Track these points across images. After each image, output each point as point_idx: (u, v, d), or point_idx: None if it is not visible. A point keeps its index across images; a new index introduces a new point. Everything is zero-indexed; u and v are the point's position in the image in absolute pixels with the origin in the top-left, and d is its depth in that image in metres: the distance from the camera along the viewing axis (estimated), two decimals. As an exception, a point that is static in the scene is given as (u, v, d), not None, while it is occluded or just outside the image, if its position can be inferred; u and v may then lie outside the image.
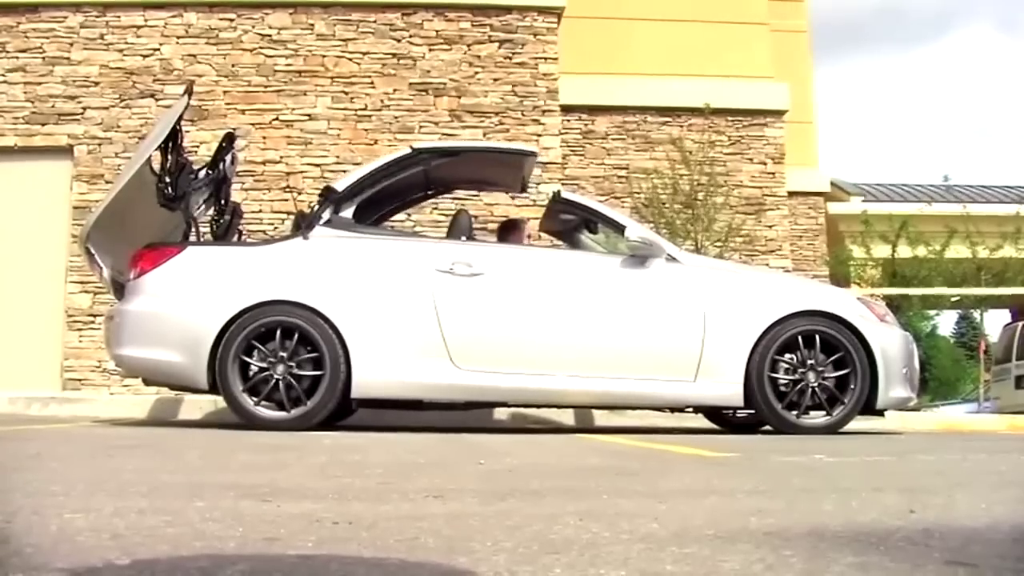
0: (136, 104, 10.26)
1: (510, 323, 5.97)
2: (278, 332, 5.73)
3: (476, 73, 10.58)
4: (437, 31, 10.61)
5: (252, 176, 10.07)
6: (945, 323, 44.73)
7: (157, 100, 10.20)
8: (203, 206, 6.75)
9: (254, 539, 1.78)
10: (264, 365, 5.71)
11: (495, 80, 10.57)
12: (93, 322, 9.62)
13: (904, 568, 1.60)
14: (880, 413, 6.22)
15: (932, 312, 28.39)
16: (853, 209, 17.99)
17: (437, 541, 1.79)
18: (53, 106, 10.21)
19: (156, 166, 6.39)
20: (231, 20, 10.47)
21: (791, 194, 14.43)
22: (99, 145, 10.19)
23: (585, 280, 6.17)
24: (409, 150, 6.48)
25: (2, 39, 10.29)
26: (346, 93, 10.43)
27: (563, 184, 10.66)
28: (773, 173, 13.51)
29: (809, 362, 5.93)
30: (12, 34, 10.28)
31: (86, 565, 1.51)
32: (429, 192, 7.62)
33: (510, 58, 10.62)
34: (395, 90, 10.46)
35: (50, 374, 9.79)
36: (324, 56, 10.49)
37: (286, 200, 9.82)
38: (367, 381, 5.77)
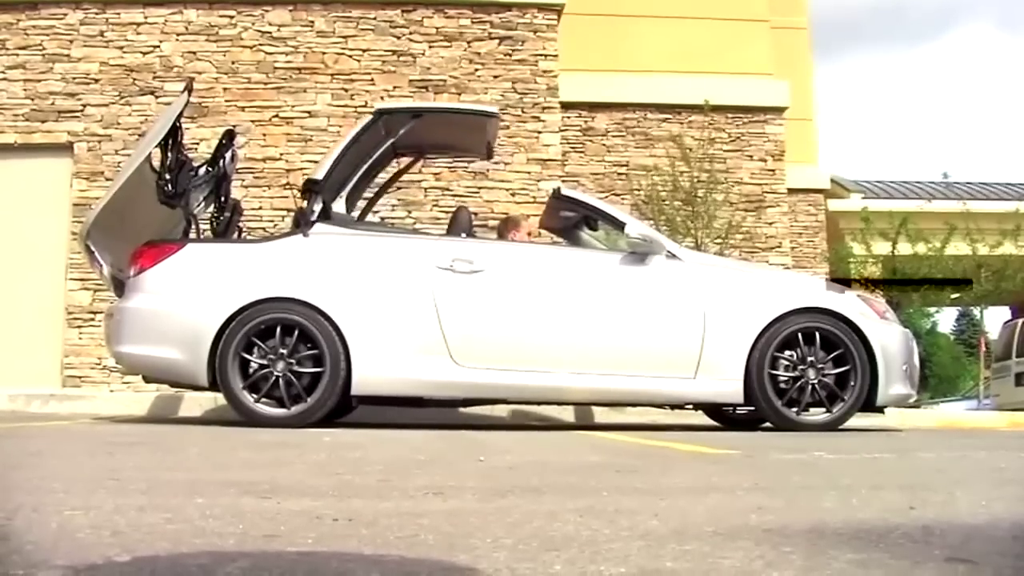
0: (136, 101, 10.25)
1: (510, 320, 5.97)
2: (278, 329, 5.73)
3: (476, 70, 10.57)
4: (437, 28, 10.60)
5: (252, 173, 10.07)
6: (945, 320, 44.76)
7: (157, 97, 10.20)
8: (203, 203, 6.74)
9: (254, 536, 1.78)
10: (264, 362, 5.71)
11: (495, 77, 10.57)
12: (93, 319, 9.62)
13: (904, 565, 1.60)
14: (880, 410, 6.23)
15: (932, 309, 28.39)
16: (853, 206, 17.98)
17: (437, 538, 1.79)
18: (53, 103, 10.21)
19: (156, 163, 6.38)
20: (231, 17, 10.46)
21: (791, 191, 14.42)
22: (99, 142, 10.18)
23: (585, 277, 6.17)
24: (372, 115, 6.44)
25: (2, 36, 10.28)
26: (346, 90, 10.42)
27: (563, 181, 10.66)
28: (773, 170, 13.51)
29: (809, 359, 5.93)
30: (12, 31, 10.27)
31: (86, 562, 1.51)
32: (399, 163, 7.53)
33: (510, 55, 10.61)
34: (395, 87, 10.45)
35: (50, 371, 9.79)
36: (324, 53, 10.48)
37: (286, 197, 9.82)
38: (367, 378, 5.77)
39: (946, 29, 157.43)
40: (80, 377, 9.78)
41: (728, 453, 4.14)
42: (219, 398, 6.63)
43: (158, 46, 10.37)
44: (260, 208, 10.06)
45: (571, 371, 5.91)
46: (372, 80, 10.44)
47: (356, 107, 10.38)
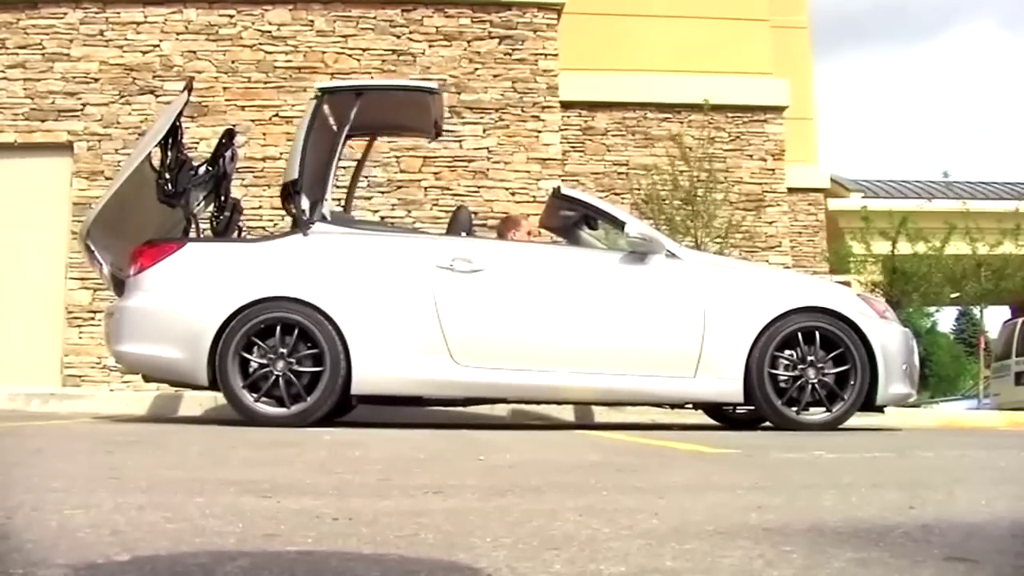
0: (136, 100, 10.25)
1: (510, 319, 5.97)
2: (278, 328, 5.73)
3: (476, 69, 10.57)
4: (437, 27, 10.60)
5: (252, 172, 10.07)
6: (945, 319, 44.74)
7: (157, 96, 10.20)
8: (203, 202, 6.74)
9: (254, 535, 1.78)
10: (264, 361, 5.71)
11: (495, 76, 10.57)
12: (93, 318, 9.62)
13: (904, 564, 1.60)
14: (880, 409, 6.23)
15: (932, 308, 28.38)
16: (853, 205, 17.96)
17: (437, 537, 1.79)
18: (53, 102, 10.21)
19: (156, 162, 6.38)
20: (231, 16, 10.46)
21: (791, 190, 14.41)
22: (99, 141, 10.18)
23: (585, 276, 6.17)
24: (315, 96, 6.37)
25: (2, 35, 10.28)
26: (346, 89, 10.41)
27: (563, 180, 10.66)
28: (773, 169, 13.50)
29: (809, 358, 5.93)
30: (12, 30, 10.27)
31: (86, 561, 1.51)
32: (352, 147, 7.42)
33: (510, 54, 10.61)
34: (395, 86, 10.44)
35: (50, 370, 9.79)
36: (324, 52, 10.48)
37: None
38: (367, 377, 5.77)
39: (947, 28, 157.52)
40: (80, 376, 9.78)
41: (728, 452, 4.14)
42: (219, 397, 6.63)
43: (158, 45, 10.37)
44: (260, 207, 10.06)
45: (571, 370, 5.91)
46: (372, 79, 10.43)
47: (356, 106, 10.37)
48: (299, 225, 6.15)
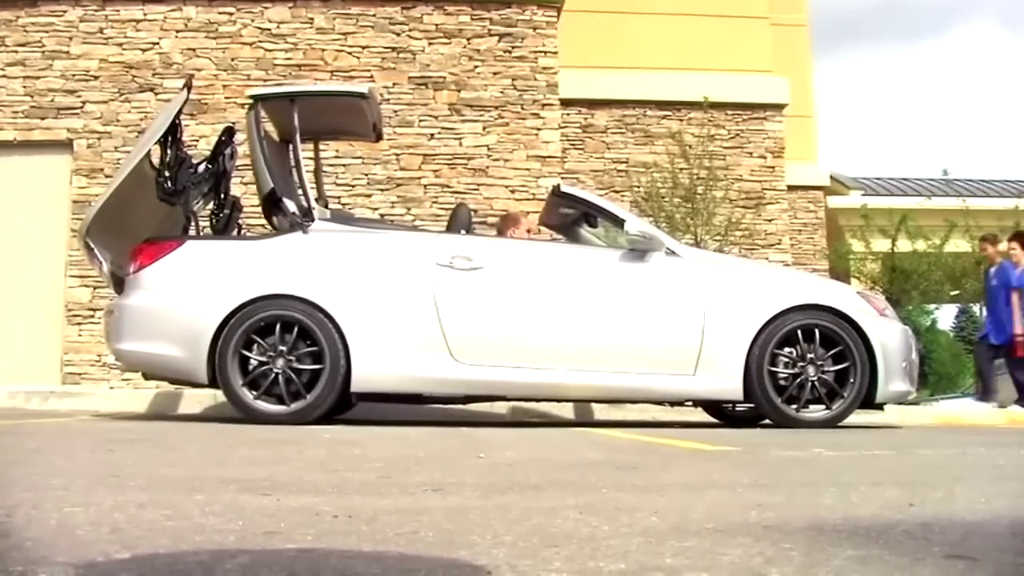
0: (135, 98, 10.25)
1: (510, 317, 5.97)
2: (278, 326, 5.74)
3: (476, 67, 10.56)
4: (436, 25, 10.59)
5: (252, 170, 10.04)
6: (945, 317, 44.74)
7: (156, 94, 10.19)
8: (202, 200, 6.74)
9: (254, 533, 1.78)
10: (264, 359, 5.71)
11: (495, 74, 10.56)
12: (93, 316, 9.62)
13: (903, 562, 1.59)
14: (879, 407, 6.23)
15: (932, 306, 28.38)
16: (853, 203, 17.96)
17: (437, 535, 1.79)
18: (52, 100, 10.20)
19: (156, 160, 6.38)
20: (230, 14, 10.45)
21: (791, 188, 14.41)
22: (98, 139, 10.18)
23: (585, 274, 6.17)
24: (249, 104, 6.35)
25: (1, 33, 10.27)
26: (345, 87, 10.41)
27: (563, 178, 10.66)
28: (773, 167, 13.50)
29: (808, 356, 5.94)
30: (11, 28, 10.26)
31: (86, 559, 1.51)
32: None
33: (509, 52, 10.60)
34: (395, 84, 10.44)
35: (50, 368, 9.79)
36: (323, 50, 10.47)
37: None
38: (367, 375, 5.77)
39: (948, 26, 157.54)
40: (80, 374, 9.78)
41: (728, 450, 4.14)
42: (219, 395, 6.63)
43: (157, 43, 10.36)
44: (259, 205, 10.03)
45: (571, 368, 5.91)
46: (372, 77, 10.43)
47: (356, 104, 10.36)
48: (298, 223, 6.15)
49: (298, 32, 10.47)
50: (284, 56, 10.42)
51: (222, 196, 6.88)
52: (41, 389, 8.35)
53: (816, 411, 6.01)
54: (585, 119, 13.21)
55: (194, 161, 6.66)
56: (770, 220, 13.40)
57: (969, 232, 16.25)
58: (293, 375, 5.69)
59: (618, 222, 6.31)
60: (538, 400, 7.10)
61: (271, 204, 6.31)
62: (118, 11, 10.36)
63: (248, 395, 5.70)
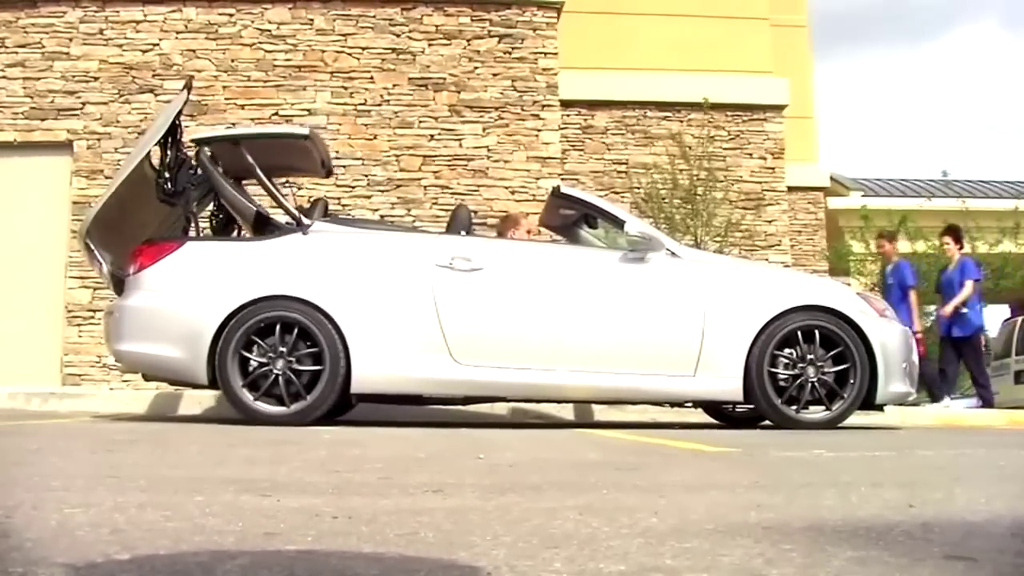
0: (135, 99, 10.25)
1: (510, 318, 5.97)
2: (278, 327, 5.74)
3: (476, 68, 10.57)
4: (436, 26, 10.60)
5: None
6: (944, 318, 44.58)
7: (156, 95, 10.19)
8: (202, 201, 6.74)
9: (254, 534, 1.78)
10: (264, 360, 5.71)
11: (494, 75, 10.56)
12: (93, 317, 9.62)
13: (903, 562, 1.60)
14: (879, 408, 6.23)
15: (932, 308, 28.34)
16: (852, 204, 17.98)
17: (437, 535, 1.79)
18: (52, 101, 10.20)
19: (155, 161, 6.38)
20: (230, 15, 10.45)
21: (791, 189, 14.41)
22: (98, 140, 10.18)
23: (585, 275, 6.17)
24: (194, 148, 6.29)
25: (1, 34, 10.27)
26: (345, 88, 10.42)
27: (563, 179, 10.66)
28: (773, 168, 13.50)
29: (808, 357, 5.93)
30: (11, 29, 10.27)
31: (86, 560, 1.51)
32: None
33: (509, 53, 10.61)
34: (395, 85, 10.45)
35: (50, 369, 9.79)
36: (323, 51, 10.47)
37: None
38: (367, 376, 5.77)
39: (949, 28, 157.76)
40: (80, 375, 9.78)
41: (728, 451, 4.14)
42: (219, 396, 6.63)
43: (157, 44, 10.36)
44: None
45: (571, 369, 5.91)
46: (372, 78, 10.44)
47: (356, 105, 10.38)
48: (298, 224, 6.16)
49: (298, 33, 10.47)
50: (284, 57, 10.42)
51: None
52: (41, 390, 8.35)
53: (816, 412, 6.01)
54: (585, 120, 13.21)
55: (194, 162, 6.65)
56: (770, 221, 13.40)
57: (969, 233, 16.25)
58: (293, 376, 5.69)
59: (618, 223, 6.31)
60: (538, 401, 7.10)
61: (261, 225, 6.31)
62: (118, 12, 10.36)
63: (248, 396, 5.70)
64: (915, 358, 6.38)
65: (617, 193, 12.84)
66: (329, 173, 7.40)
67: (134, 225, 6.30)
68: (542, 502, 2.33)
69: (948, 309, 10.00)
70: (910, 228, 15.80)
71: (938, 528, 1.94)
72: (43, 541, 1.68)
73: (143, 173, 6.23)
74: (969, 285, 9.99)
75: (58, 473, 2.86)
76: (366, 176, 10.31)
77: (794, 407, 5.93)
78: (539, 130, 10.50)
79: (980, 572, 1.54)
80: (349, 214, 9.76)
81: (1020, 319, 17.60)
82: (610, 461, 3.74)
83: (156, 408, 7.96)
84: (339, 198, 9.95)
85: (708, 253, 7.93)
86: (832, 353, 5.95)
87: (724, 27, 13.73)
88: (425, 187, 10.36)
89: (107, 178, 9.43)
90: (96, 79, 10.25)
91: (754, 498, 2.42)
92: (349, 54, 10.49)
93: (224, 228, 6.85)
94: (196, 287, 5.92)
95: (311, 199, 7.52)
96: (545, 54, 10.64)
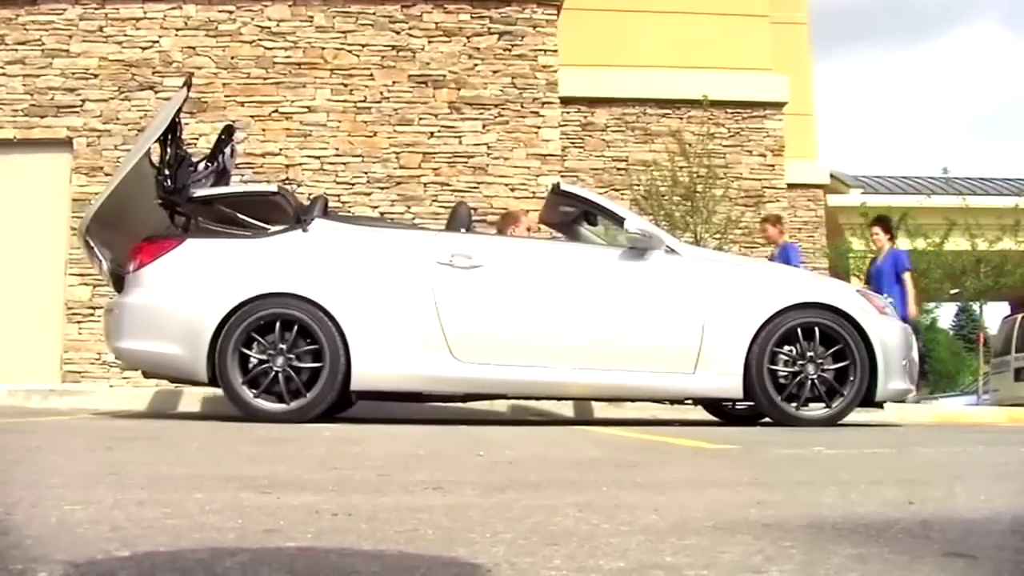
0: (135, 96, 10.25)
1: (509, 315, 5.97)
2: (277, 324, 5.74)
3: (475, 65, 10.56)
4: (436, 23, 10.59)
5: (251, 168, 10.05)
6: (945, 315, 44.79)
7: (156, 92, 10.19)
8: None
9: (253, 531, 1.78)
10: (263, 357, 5.71)
11: (494, 72, 10.56)
12: (93, 314, 9.62)
13: (903, 559, 1.60)
14: (879, 405, 6.23)
15: (931, 304, 28.40)
16: (852, 201, 17.98)
17: (436, 532, 1.79)
18: (52, 98, 10.20)
19: (155, 158, 6.38)
20: (230, 12, 10.45)
21: (790, 186, 14.43)
22: (98, 137, 10.18)
23: (584, 272, 6.16)
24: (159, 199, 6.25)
25: (1, 31, 10.27)
26: (345, 85, 10.42)
27: (562, 176, 10.66)
28: (772, 165, 13.51)
29: (808, 354, 5.93)
30: (11, 26, 10.26)
31: (86, 557, 1.51)
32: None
33: (509, 50, 10.60)
34: (394, 82, 10.44)
35: (50, 366, 9.79)
36: (323, 48, 10.47)
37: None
38: (366, 373, 5.77)
39: (949, 27, 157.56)
40: (79, 372, 9.78)
41: (727, 448, 4.14)
42: (219, 393, 6.62)
43: (157, 41, 10.36)
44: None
45: (570, 366, 5.91)
46: (371, 75, 10.44)
47: (356, 102, 10.38)
48: (299, 221, 6.16)
49: (298, 30, 10.47)
50: (284, 54, 10.42)
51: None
52: (41, 387, 8.35)
53: (816, 409, 6.01)
54: (585, 117, 13.21)
55: (194, 159, 6.65)
56: (770, 219, 13.37)
57: (969, 230, 16.27)
58: (293, 373, 5.69)
59: (618, 220, 6.31)
60: (538, 398, 7.10)
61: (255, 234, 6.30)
62: (118, 9, 10.36)
63: (248, 393, 5.70)
64: (915, 355, 6.38)
65: (617, 190, 12.85)
66: (303, 224, 6.74)
67: (134, 222, 6.30)
68: (542, 499, 2.33)
69: (913, 310, 9.89)
70: (910, 225, 15.79)
71: (938, 525, 1.94)
72: (43, 538, 1.68)
73: (143, 170, 6.23)
74: (909, 277, 9.90)
75: (58, 470, 2.86)
76: (366, 173, 10.31)
77: (794, 404, 5.93)
78: (539, 127, 10.49)
79: (980, 569, 1.54)
80: (349, 211, 9.76)
81: (1020, 316, 17.62)
82: (610, 458, 3.75)
83: (156, 405, 7.96)
84: (339, 195, 9.94)
85: (708, 250, 7.94)
86: (832, 350, 5.95)
87: (724, 24, 13.73)
88: (425, 184, 10.36)
89: (107, 175, 9.43)
90: (96, 76, 10.25)
91: (754, 495, 2.42)
92: (349, 51, 10.49)
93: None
94: (196, 284, 5.92)
95: (311, 196, 7.51)
96: (545, 51, 10.64)
